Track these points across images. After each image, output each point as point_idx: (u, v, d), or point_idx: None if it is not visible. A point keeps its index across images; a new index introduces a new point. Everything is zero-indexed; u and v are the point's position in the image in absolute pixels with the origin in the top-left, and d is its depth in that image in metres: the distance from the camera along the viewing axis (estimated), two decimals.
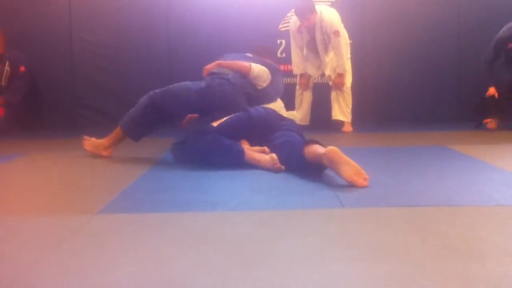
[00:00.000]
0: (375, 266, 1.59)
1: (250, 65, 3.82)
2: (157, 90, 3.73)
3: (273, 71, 3.94)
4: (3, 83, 5.66)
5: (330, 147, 2.72)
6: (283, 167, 3.11)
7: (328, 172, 2.99)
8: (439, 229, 1.96)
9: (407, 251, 1.71)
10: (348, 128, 5.34)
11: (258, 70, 3.82)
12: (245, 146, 3.36)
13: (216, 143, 3.33)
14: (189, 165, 3.38)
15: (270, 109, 3.60)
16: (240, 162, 3.26)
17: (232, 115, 3.49)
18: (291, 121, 3.59)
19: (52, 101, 6.12)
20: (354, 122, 5.42)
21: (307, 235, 1.92)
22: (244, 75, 3.79)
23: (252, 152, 3.29)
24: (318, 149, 2.87)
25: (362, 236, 1.89)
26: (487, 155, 3.61)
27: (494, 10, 6.00)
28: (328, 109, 5.42)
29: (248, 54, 4.10)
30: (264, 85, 3.85)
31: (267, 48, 4.48)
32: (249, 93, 3.78)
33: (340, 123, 5.37)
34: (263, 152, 3.27)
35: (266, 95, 3.86)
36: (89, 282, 1.51)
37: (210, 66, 3.88)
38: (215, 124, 3.44)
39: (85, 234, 2.00)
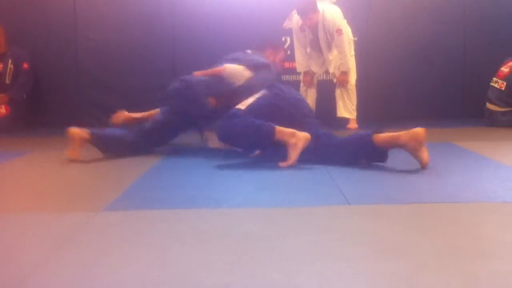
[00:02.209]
0: (380, 263, 1.58)
1: (224, 67, 4.03)
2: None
3: (258, 67, 4.06)
4: (7, 81, 5.67)
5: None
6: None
7: (333, 169, 3.00)
8: (445, 226, 1.96)
9: (412, 248, 1.71)
10: (353, 125, 5.32)
11: (230, 70, 4.02)
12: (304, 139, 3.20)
13: (247, 125, 3.25)
14: (193, 163, 3.38)
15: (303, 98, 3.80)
16: (270, 138, 3.18)
17: (259, 95, 3.47)
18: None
19: (56, 99, 6.12)
20: (359, 119, 5.40)
21: (312, 232, 1.92)
22: (220, 77, 4.00)
23: (283, 128, 3.20)
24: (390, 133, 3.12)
25: (367, 233, 1.89)
26: (493, 152, 3.59)
27: (500, 7, 5.97)
28: (332, 106, 5.41)
29: (248, 51, 4.31)
30: (240, 83, 3.98)
31: (271, 41, 4.71)
32: (226, 91, 3.94)
33: (345, 120, 5.36)
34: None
35: (246, 90, 3.87)
36: (94, 279, 1.52)
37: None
38: (242, 106, 3.38)
39: (90, 231, 2.00)
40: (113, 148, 3.75)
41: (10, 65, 5.67)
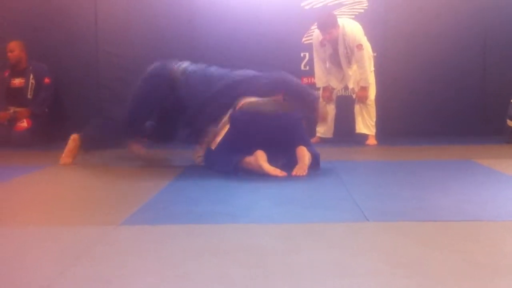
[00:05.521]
0: (397, 281, 1.56)
1: None
2: None
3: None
4: (28, 96, 5.76)
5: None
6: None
7: (352, 185, 2.99)
8: (464, 244, 1.92)
9: (430, 266, 1.68)
10: (372, 141, 5.29)
11: None
12: (260, 157, 3.35)
13: (222, 163, 3.52)
14: (211, 177, 3.39)
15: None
16: (238, 171, 3.40)
17: (225, 131, 3.55)
18: None
19: (77, 112, 6.19)
20: (378, 135, 5.37)
21: (328, 248, 1.89)
22: None
23: (248, 158, 3.37)
24: None
25: (384, 250, 1.86)
26: None
27: None
28: (351, 122, 5.40)
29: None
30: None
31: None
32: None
33: (364, 137, 5.33)
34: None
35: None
36: None
37: None
38: (213, 146, 3.59)
39: (106, 245, 2.00)
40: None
41: (31, 80, 5.76)
